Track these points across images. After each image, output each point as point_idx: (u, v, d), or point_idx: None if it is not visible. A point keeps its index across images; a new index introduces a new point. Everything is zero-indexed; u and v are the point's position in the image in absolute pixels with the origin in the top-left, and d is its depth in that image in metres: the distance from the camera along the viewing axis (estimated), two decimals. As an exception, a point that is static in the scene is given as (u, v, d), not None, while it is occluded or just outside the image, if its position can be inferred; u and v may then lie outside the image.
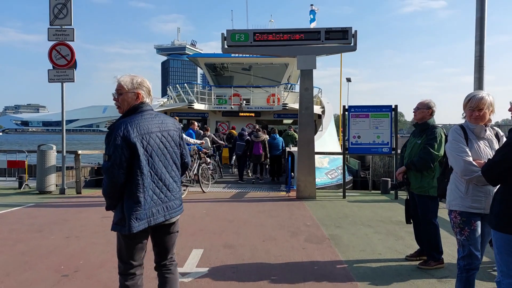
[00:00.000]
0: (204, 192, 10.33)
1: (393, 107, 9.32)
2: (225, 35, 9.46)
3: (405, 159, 4.66)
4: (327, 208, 8.18)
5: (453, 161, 2.96)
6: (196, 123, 13.28)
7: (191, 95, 19.67)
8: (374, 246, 5.34)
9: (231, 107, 19.78)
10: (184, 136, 10.58)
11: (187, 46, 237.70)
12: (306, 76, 9.53)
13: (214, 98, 20.39)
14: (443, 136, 4.41)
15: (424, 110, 4.57)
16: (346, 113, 9.48)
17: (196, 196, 9.67)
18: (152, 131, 2.77)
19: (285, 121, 26.59)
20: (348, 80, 35.14)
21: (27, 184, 11.15)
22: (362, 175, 16.69)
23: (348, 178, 14.77)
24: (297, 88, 27.38)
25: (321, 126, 16.34)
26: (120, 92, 2.80)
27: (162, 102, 20.45)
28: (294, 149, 12.55)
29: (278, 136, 13.83)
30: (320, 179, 12.02)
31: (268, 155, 13.23)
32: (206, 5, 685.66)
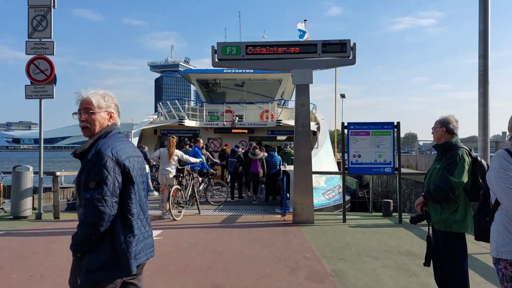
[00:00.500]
0: (199, 213, 9.85)
1: (395, 124, 8.72)
2: (216, 48, 8.87)
3: (425, 187, 3.98)
4: (327, 235, 7.47)
5: (502, 195, 2.31)
6: (201, 141, 12.81)
7: (182, 111, 19.04)
8: (386, 285, 4.63)
9: (224, 124, 19.15)
10: (185, 156, 10.02)
11: (180, 63, 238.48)
12: (302, 91, 8.93)
13: (206, 115, 19.77)
14: (466, 159, 3.72)
15: (438, 128, 3.93)
16: (346, 130, 8.86)
17: (185, 221, 8.91)
18: (132, 155, 2.36)
19: (279, 137, 26.00)
20: (342, 96, 34.76)
21: (2, 208, 10.34)
22: (360, 195, 16.02)
23: (346, 198, 14.10)
24: (291, 104, 26.92)
25: (316, 143, 15.73)
26: (91, 111, 2.33)
27: (152, 119, 19.81)
28: (289, 168, 11.89)
29: (276, 154, 13.28)
30: (317, 199, 11.34)
31: (265, 173, 12.78)
32: (199, 22, 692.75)
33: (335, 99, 26.85)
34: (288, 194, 10.82)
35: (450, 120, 3.92)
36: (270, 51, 8.81)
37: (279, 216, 9.73)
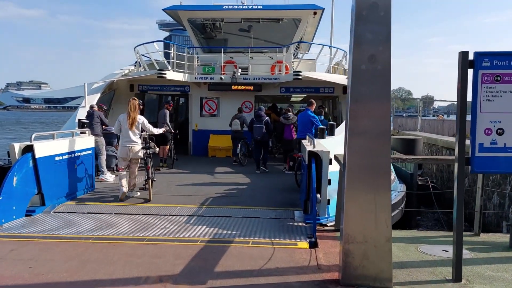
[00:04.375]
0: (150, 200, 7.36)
1: None
2: None
3: None
4: None
5: None
6: (314, 103, 10.59)
7: (164, 59, 13.94)
8: None
9: (221, 78, 14.09)
10: (148, 125, 7.79)
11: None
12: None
13: (198, 65, 14.70)
14: None
15: None
16: (471, 71, 3.80)
17: (115, 261, 4.18)
18: None
19: (294, 97, 20.76)
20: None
21: None
22: (419, 182, 11.08)
23: (400, 190, 9.21)
24: (310, 55, 21.47)
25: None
26: None
27: (127, 71, 14.78)
28: (319, 144, 6.94)
29: (323, 117, 11.64)
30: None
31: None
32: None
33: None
34: (319, 195, 6.04)
35: None
36: None
37: (305, 245, 4.95)
